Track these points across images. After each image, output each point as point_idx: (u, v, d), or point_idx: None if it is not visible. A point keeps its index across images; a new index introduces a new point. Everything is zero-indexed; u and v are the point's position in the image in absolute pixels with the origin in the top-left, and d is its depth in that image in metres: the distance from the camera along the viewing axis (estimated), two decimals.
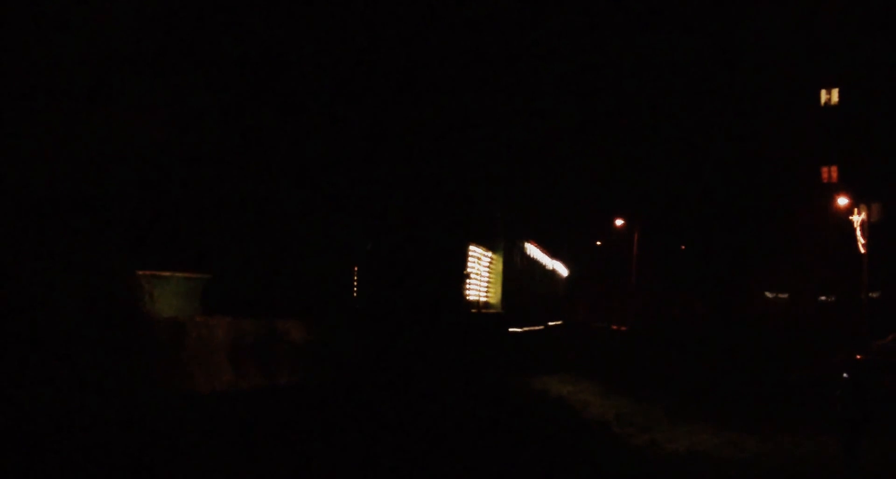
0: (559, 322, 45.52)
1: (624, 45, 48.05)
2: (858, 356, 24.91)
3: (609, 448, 15.04)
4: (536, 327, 34.17)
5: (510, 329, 27.45)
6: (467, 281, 22.74)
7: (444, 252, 18.81)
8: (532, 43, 29.01)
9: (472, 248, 23.41)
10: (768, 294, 56.97)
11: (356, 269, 16.17)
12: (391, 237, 16.74)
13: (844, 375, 13.53)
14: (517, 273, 29.89)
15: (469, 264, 22.96)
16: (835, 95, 54.19)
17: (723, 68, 53.93)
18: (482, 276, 25.64)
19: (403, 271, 16.69)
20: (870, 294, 40.15)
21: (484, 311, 25.26)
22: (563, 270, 50.69)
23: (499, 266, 26.80)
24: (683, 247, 59.96)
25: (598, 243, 66.54)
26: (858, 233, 39.66)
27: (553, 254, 42.73)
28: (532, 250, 34.87)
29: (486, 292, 26.39)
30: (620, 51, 47.91)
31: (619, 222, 60.83)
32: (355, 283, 16.36)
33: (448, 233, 19.10)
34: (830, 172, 54.06)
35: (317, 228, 15.09)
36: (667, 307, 60.91)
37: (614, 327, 54.84)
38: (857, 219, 39.94)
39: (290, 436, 11.21)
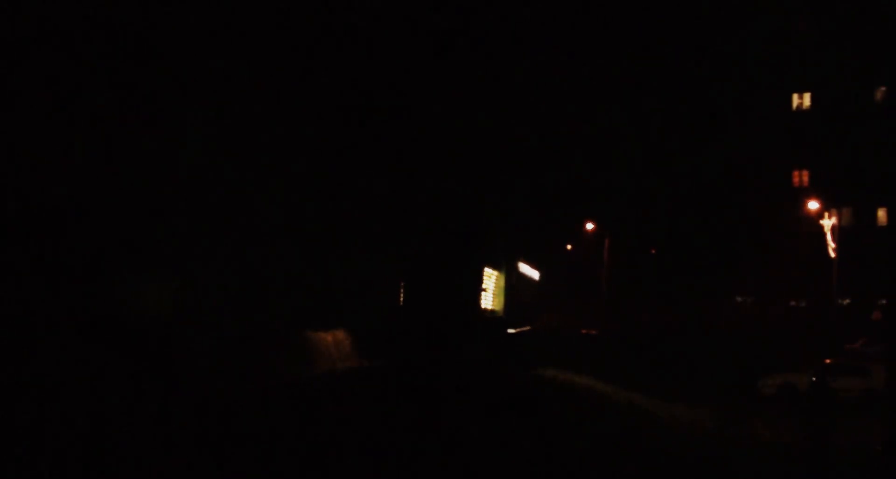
0: (534, 325, 50.36)
1: (595, 54, 52.20)
2: (827, 361, 28.18)
3: None
4: (525, 328, 42.56)
5: (508, 330, 35.70)
6: (483, 293, 30.01)
7: (467, 273, 25.06)
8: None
9: (485, 269, 31.79)
10: (738, 299, 60.57)
11: (402, 283, 21.74)
12: (431, 261, 22.37)
13: (813, 378, 16.49)
14: (512, 286, 38.77)
15: (484, 281, 30.69)
16: (807, 100, 58.11)
17: (695, 73, 57.63)
18: (491, 289, 33.63)
19: (439, 286, 22.38)
20: (841, 300, 43.40)
21: (493, 315, 33.95)
22: (537, 276, 55.68)
23: (501, 282, 35.31)
24: (654, 251, 63.87)
25: (569, 246, 70.54)
26: (829, 237, 42.35)
27: (531, 263, 48.82)
28: (522, 267, 44.50)
29: (493, 301, 34.43)
30: (593, 58, 52.09)
31: (589, 226, 64.79)
32: (401, 293, 21.93)
33: (470, 258, 25.38)
34: (801, 177, 57.76)
35: (378, 254, 20.40)
36: (636, 312, 63.66)
37: (584, 332, 58.19)
38: (828, 223, 42.71)
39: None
